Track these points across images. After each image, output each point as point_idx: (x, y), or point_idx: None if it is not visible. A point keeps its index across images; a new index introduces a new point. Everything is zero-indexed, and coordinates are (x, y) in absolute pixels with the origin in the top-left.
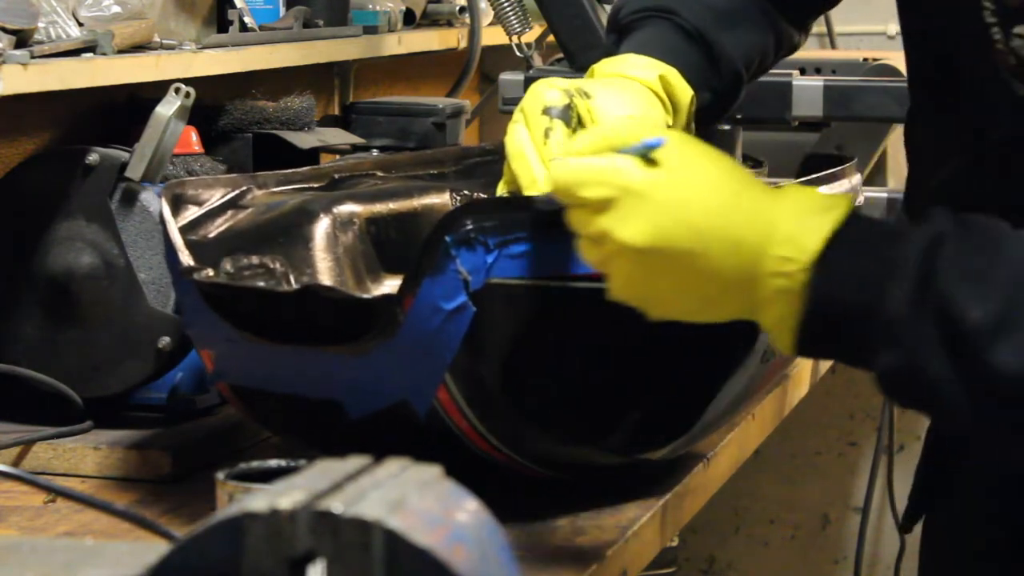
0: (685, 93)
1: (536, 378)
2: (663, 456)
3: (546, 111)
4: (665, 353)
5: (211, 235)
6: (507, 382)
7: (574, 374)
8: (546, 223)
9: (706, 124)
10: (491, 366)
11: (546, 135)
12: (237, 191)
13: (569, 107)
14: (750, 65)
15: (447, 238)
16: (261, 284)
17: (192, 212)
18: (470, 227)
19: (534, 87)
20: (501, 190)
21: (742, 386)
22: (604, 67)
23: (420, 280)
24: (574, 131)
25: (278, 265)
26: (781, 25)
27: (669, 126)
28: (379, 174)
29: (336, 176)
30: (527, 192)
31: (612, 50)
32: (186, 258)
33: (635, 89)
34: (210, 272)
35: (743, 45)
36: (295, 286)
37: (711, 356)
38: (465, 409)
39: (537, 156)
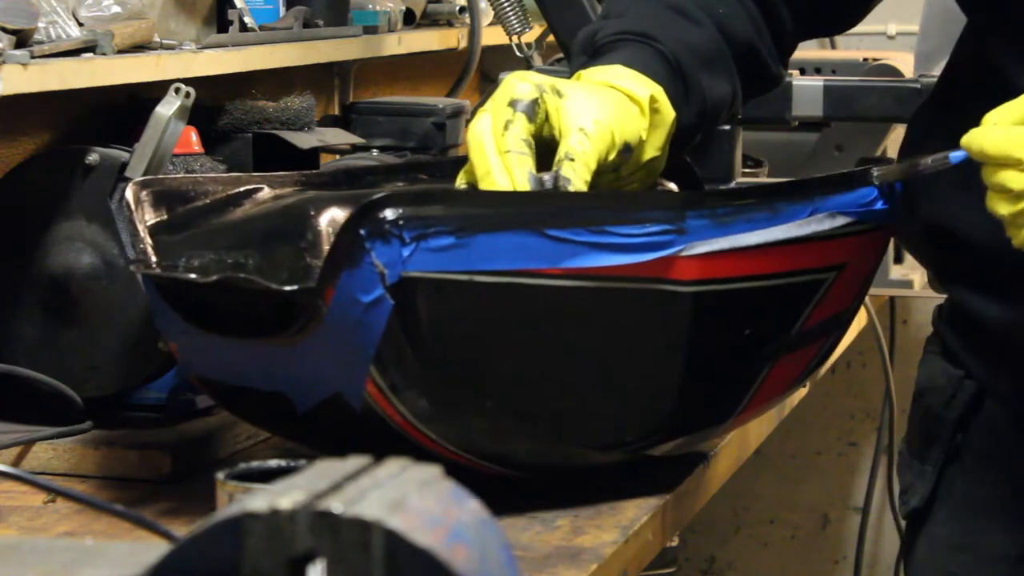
0: (669, 114)
1: (460, 373)
2: (656, 454)
3: (512, 103)
4: (585, 348)
5: (190, 232)
6: (431, 376)
7: (497, 368)
8: (468, 216)
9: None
10: (414, 360)
11: (505, 127)
12: (242, 188)
13: (536, 103)
14: (715, 110)
15: (361, 231)
16: (191, 276)
17: (182, 208)
18: (387, 219)
19: (508, 78)
20: (461, 179)
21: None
22: (592, 74)
23: (338, 273)
24: (538, 127)
25: (251, 262)
26: (738, 83)
27: (642, 140)
28: (422, 176)
29: (371, 177)
30: (482, 183)
31: (583, 68)
32: (139, 251)
33: (612, 98)
34: (154, 265)
35: (713, 89)
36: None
37: (630, 356)
38: (395, 402)
39: (494, 147)
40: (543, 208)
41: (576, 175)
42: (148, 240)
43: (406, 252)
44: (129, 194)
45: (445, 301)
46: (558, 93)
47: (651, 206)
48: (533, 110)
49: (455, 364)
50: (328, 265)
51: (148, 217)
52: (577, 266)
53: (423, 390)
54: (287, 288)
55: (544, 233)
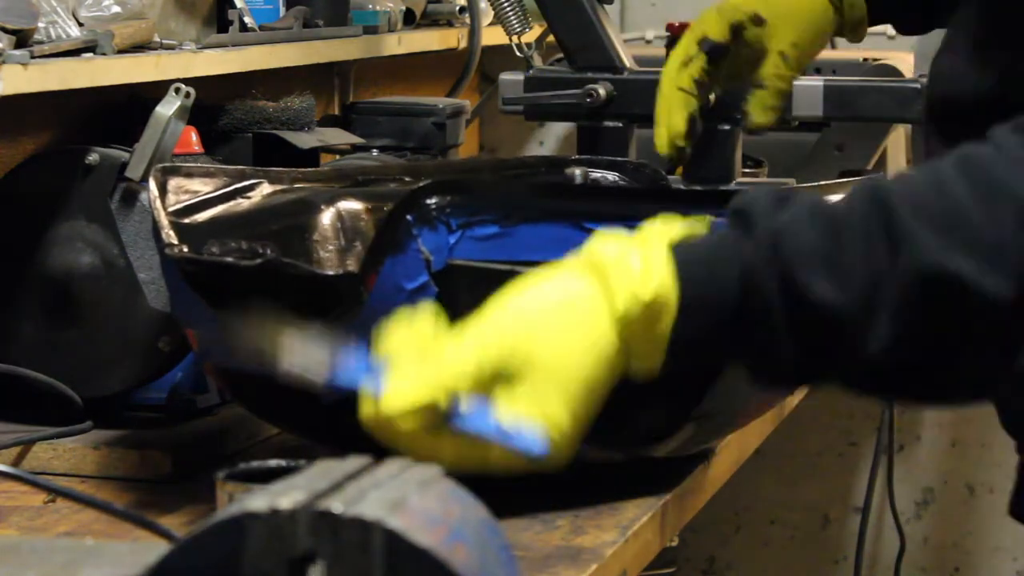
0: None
1: None
2: (658, 454)
3: (701, 42)
4: None
5: (205, 220)
6: None
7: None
8: (512, 206)
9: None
10: None
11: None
12: (245, 183)
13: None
14: None
15: (409, 217)
16: (230, 260)
17: (190, 198)
18: (433, 206)
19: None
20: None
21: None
22: None
23: (382, 258)
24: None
25: (268, 251)
26: None
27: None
28: (407, 179)
29: (360, 178)
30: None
31: None
32: (166, 236)
33: (808, 15)
34: (185, 249)
35: None
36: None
37: None
38: None
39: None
40: (581, 201)
41: None
42: (170, 227)
43: (452, 239)
44: (152, 181)
45: (484, 290)
46: (756, 21)
47: (682, 202)
48: (719, 52)
49: None
50: (372, 251)
51: (168, 204)
52: None
53: None
54: (331, 273)
55: (581, 226)
